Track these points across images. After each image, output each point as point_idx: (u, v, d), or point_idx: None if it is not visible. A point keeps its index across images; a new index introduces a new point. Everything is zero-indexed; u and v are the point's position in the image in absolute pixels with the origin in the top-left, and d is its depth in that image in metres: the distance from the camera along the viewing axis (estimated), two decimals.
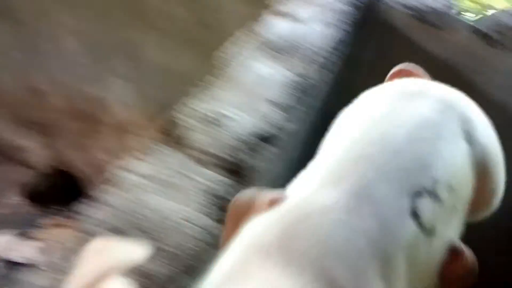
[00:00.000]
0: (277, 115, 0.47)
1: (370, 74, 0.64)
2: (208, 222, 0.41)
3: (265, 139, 0.46)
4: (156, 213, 0.41)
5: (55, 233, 1.52)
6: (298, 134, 0.58)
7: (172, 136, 0.45)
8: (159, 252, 0.39)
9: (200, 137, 0.45)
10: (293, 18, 0.58)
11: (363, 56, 0.73)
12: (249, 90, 0.48)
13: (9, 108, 1.46)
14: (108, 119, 1.16)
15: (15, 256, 1.51)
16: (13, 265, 1.51)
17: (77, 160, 1.55)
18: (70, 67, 1.07)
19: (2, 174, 1.82)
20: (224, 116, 0.46)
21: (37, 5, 0.97)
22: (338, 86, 0.72)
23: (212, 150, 0.44)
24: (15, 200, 1.74)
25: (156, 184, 0.43)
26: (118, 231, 0.44)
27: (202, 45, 0.82)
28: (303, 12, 0.59)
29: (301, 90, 0.51)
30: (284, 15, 0.59)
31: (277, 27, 0.56)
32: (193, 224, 0.41)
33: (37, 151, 1.65)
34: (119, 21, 0.90)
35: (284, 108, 0.48)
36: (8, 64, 1.22)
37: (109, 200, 0.45)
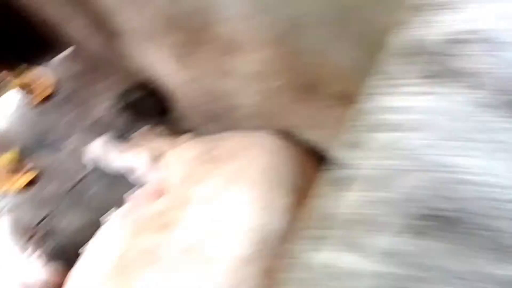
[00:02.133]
0: None
1: None
2: None
3: None
4: None
5: (144, 142, 1.58)
6: None
7: None
8: None
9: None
10: None
11: None
12: None
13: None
14: (214, 32, 1.12)
15: (109, 161, 1.58)
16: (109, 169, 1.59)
17: (171, 76, 1.53)
18: None
19: (102, 79, 1.90)
20: None
21: None
22: None
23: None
24: (111, 107, 1.82)
25: None
26: None
27: None
28: None
29: None
30: None
31: None
32: None
33: (135, 61, 1.66)
34: None
35: None
36: None
37: None
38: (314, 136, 1.18)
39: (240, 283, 0.99)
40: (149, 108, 1.73)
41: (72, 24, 1.78)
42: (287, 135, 1.27)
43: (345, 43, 0.86)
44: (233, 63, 1.17)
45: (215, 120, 1.54)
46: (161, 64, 1.53)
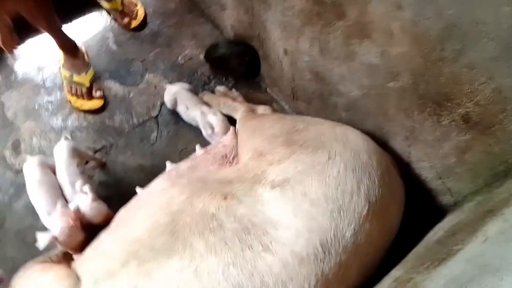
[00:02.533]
0: None
1: None
2: None
3: None
4: None
5: (225, 103, 1.50)
6: None
7: None
8: None
9: None
10: None
11: None
12: None
13: None
14: (352, 15, 0.99)
15: (181, 111, 1.52)
16: (179, 116, 1.54)
17: (272, 42, 1.43)
18: None
19: (190, 24, 1.84)
20: None
21: None
22: None
23: None
24: (193, 54, 1.76)
25: None
26: None
27: None
28: None
29: None
30: None
31: None
32: None
33: (236, 15, 1.55)
34: None
35: None
36: None
37: None
38: (418, 153, 1.03)
39: (289, 280, 0.90)
40: (235, 67, 1.63)
41: None
42: (382, 142, 1.13)
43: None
44: (358, 48, 1.03)
45: (307, 100, 1.42)
46: (267, 28, 1.41)
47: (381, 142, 1.13)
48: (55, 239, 1.12)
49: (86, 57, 1.65)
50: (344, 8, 1.00)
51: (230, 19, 1.62)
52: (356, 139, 1.08)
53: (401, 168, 1.09)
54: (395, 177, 1.05)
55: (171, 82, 1.65)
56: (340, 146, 1.05)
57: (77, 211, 1.17)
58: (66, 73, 1.57)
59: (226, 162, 1.23)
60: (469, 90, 0.81)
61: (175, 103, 1.51)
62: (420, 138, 1.01)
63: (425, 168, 1.03)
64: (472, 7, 0.73)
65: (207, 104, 1.50)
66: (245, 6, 1.45)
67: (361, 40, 1.01)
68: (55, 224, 1.15)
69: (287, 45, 1.34)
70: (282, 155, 1.06)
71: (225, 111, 1.47)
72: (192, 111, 1.46)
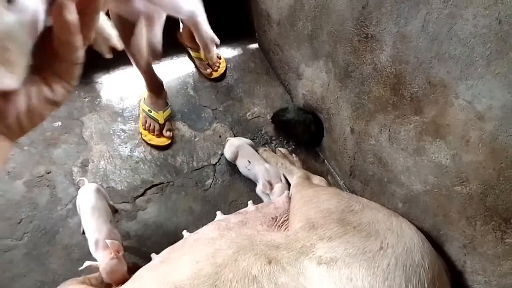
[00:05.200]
0: None
1: None
2: None
3: None
4: None
5: (283, 164, 1.56)
6: None
7: None
8: None
9: None
10: None
11: None
12: None
13: (326, 36, 1.43)
14: (429, 113, 1.02)
15: (241, 164, 1.57)
16: (235, 169, 1.62)
17: (341, 119, 1.49)
18: (444, 40, 0.98)
19: (265, 84, 1.96)
20: None
21: None
22: None
23: None
24: (262, 113, 1.85)
25: None
26: None
27: None
28: None
29: None
30: None
31: None
32: None
33: (310, 87, 1.63)
34: None
35: None
36: None
37: None
38: (474, 264, 1.00)
39: None
40: (299, 134, 1.69)
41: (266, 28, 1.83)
42: (437, 243, 1.11)
43: None
44: (429, 146, 1.04)
45: (364, 181, 1.43)
46: (338, 105, 1.47)
47: (436, 243, 1.10)
48: (99, 269, 1.16)
49: (167, 98, 1.78)
50: (422, 105, 1.03)
51: (304, 88, 1.70)
52: (411, 234, 1.07)
53: (452, 276, 1.05)
54: (446, 285, 1.02)
55: (235, 135, 1.73)
56: (394, 238, 1.04)
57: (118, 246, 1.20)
58: (145, 107, 1.70)
59: (275, 225, 1.25)
60: None
61: (235, 156, 1.57)
62: (479, 250, 0.98)
63: (479, 282, 0.99)
64: None
65: (270, 161, 1.55)
66: (322, 80, 1.52)
67: (433, 139, 1.03)
68: (100, 256, 1.20)
69: (355, 125, 1.38)
70: (334, 232, 1.06)
71: (281, 171, 1.51)
72: (254, 166, 1.51)
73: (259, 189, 1.49)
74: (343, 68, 1.36)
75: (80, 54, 0.36)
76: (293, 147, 1.74)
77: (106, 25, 0.61)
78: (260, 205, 1.35)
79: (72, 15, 0.33)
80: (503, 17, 0.77)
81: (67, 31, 0.34)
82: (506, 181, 0.85)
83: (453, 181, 1.00)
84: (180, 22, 1.87)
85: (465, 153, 0.94)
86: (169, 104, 1.76)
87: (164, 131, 1.69)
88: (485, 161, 0.89)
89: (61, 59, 0.36)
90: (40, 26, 0.34)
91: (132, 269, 1.18)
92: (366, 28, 1.17)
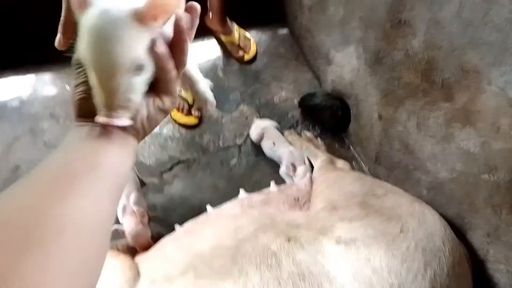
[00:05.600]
0: None
1: None
2: None
3: None
4: None
5: (307, 147, 1.57)
6: None
7: None
8: None
9: None
10: None
11: None
12: None
13: (356, 22, 1.43)
14: (460, 100, 1.02)
15: (266, 146, 1.59)
16: (260, 150, 1.63)
17: (369, 105, 1.49)
18: (479, 25, 0.95)
19: (294, 69, 1.96)
20: None
21: None
22: None
23: None
24: (289, 97, 1.86)
25: None
26: None
27: None
28: None
29: None
30: None
31: None
32: None
33: (339, 72, 1.63)
34: None
35: None
36: None
37: None
38: (497, 253, 0.98)
39: None
40: (326, 119, 1.69)
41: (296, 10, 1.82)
42: (460, 231, 1.10)
43: None
44: (458, 133, 1.03)
45: (389, 168, 1.42)
46: (367, 90, 1.46)
47: (459, 231, 1.09)
48: (125, 234, 1.22)
49: None
50: (454, 91, 1.02)
51: (333, 74, 1.69)
52: (433, 221, 1.06)
53: (474, 264, 1.04)
54: (466, 272, 1.01)
55: (262, 117, 1.75)
56: (415, 223, 1.03)
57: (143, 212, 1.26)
58: None
59: (297, 206, 1.26)
60: None
61: (260, 137, 1.59)
62: (503, 239, 0.96)
63: (501, 271, 0.98)
64: None
65: (294, 144, 1.56)
66: (351, 66, 1.51)
67: (463, 125, 1.02)
68: (126, 220, 1.25)
69: (383, 111, 1.37)
70: (355, 214, 1.07)
71: (305, 154, 1.52)
72: (279, 148, 1.53)
73: (282, 170, 1.51)
74: (374, 54, 1.35)
75: (174, 75, 0.49)
76: (319, 132, 1.74)
77: (203, 88, 0.66)
78: (282, 186, 1.37)
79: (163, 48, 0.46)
80: None
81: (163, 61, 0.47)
82: None
83: (481, 169, 0.99)
84: (208, 5, 1.89)
85: (495, 140, 0.93)
86: None
87: (192, 111, 1.72)
88: None
89: (163, 80, 0.49)
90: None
91: (157, 238, 1.23)
92: (399, 14, 1.15)
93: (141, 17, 0.41)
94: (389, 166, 1.42)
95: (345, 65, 1.57)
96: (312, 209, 1.20)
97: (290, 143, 1.58)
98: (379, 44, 1.30)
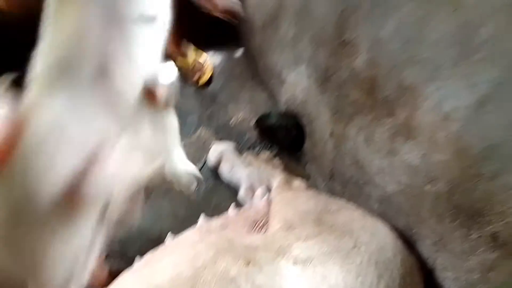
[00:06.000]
0: None
1: None
2: None
3: None
4: None
5: (265, 168, 1.60)
6: None
7: None
8: None
9: None
10: None
11: None
12: None
13: (306, 41, 1.50)
14: (401, 115, 1.08)
15: (225, 169, 1.61)
16: (218, 174, 1.65)
17: (321, 123, 1.54)
18: (415, 42, 1.00)
19: (250, 90, 2.01)
20: None
21: None
22: None
23: None
24: (245, 118, 1.90)
25: None
26: None
27: None
28: None
29: None
30: None
31: None
32: None
33: (292, 91, 1.69)
34: None
35: None
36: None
37: None
38: (444, 261, 1.03)
39: None
40: (281, 139, 1.72)
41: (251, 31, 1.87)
42: (409, 241, 1.14)
43: None
44: (402, 147, 1.08)
45: (343, 184, 1.45)
46: (318, 109, 1.51)
47: (409, 241, 1.13)
48: None
49: None
50: (394, 107, 1.07)
51: (287, 93, 1.73)
52: (385, 234, 1.10)
53: (425, 273, 1.07)
54: (418, 281, 1.04)
55: (220, 140, 1.76)
56: (367, 237, 1.07)
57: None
58: None
59: (256, 228, 1.27)
60: (501, 210, 0.83)
61: (219, 160, 1.60)
62: (448, 247, 1.01)
63: (449, 278, 1.02)
64: None
65: (250, 166, 1.57)
66: (303, 85, 1.56)
67: (405, 139, 1.06)
68: None
69: (334, 128, 1.41)
70: (310, 232, 1.09)
71: (263, 176, 1.54)
72: (237, 171, 1.54)
73: (241, 194, 1.51)
74: (323, 72, 1.40)
75: None
76: (276, 151, 1.77)
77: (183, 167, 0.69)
78: (241, 209, 1.37)
79: None
80: (466, 22, 0.81)
81: None
82: (469, 180, 0.88)
83: (423, 181, 1.03)
84: None
85: (433, 153, 0.97)
86: None
87: None
88: (451, 160, 0.92)
89: None
90: None
91: (116, 274, 1.20)
92: (344, 33, 1.20)
93: None
94: (343, 182, 1.46)
95: (297, 84, 1.62)
96: (270, 230, 1.21)
97: (248, 165, 1.59)
98: (328, 62, 1.35)
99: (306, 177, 1.66)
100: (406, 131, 1.05)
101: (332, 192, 1.55)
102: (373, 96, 1.15)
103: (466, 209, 0.91)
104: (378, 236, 1.08)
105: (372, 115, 1.18)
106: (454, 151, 0.91)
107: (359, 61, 1.17)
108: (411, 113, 1.01)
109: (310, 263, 1.00)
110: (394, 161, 1.13)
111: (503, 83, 0.77)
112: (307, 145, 1.69)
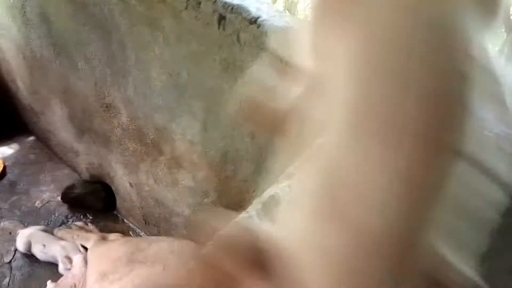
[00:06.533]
0: None
1: None
2: None
3: None
4: None
5: (79, 235, 1.62)
6: None
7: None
8: None
9: None
10: None
11: None
12: None
13: (81, 114, 1.61)
14: (167, 151, 1.29)
15: (37, 251, 1.59)
16: (33, 258, 1.60)
17: (119, 178, 1.67)
18: (151, 95, 1.22)
19: (50, 170, 2.01)
20: None
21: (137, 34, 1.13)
22: None
23: None
24: (52, 197, 1.88)
25: None
26: None
27: None
28: None
29: None
30: None
31: None
32: None
33: (88, 159, 1.79)
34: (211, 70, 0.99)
35: None
36: (96, 73, 1.38)
37: None
38: None
39: None
40: (92, 204, 1.79)
41: (44, 115, 1.92)
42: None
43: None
44: (178, 175, 1.31)
45: (156, 224, 1.62)
46: (113, 167, 1.65)
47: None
48: None
49: None
50: (161, 147, 1.30)
51: (84, 162, 1.83)
52: (189, 249, 1.29)
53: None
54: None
55: (28, 226, 1.72)
56: (175, 258, 1.24)
57: None
58: None
59: None
60: (250, 197, 1.11)
61: (29, 245, 1.58)
62: None
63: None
64: (232, 139, 1.07)
65: (61, 239, 1.60)
66: (93, 151, 1.69)
67: (178, 169, 1.30)
68: None
69: (130, 179, 1.58)
70: (123, 273, 1.21)
71: (78, 242, 1.58)
72: (50, 247, 1.54)
73: (61, 267, 1.52)
74: (102, 135, 1.56)
75: None
76: (91, 217, 1.82)
77: None
78: (59, 279, 1.40)
79: None
80: (170, 72, 1.09)
81: None
82: (224, 182, 1.16)
83: (201, 196, 1.28)
84: None
85: (197, 172, 1.23)
86: None
87: None
88: (209, 173, 1.19)
89: None
90: None
91: None
92: (103, 100, 1.40)
93: None
94: (155, 222, 1.62)
95: (88, 152, 1.74)
96: (88, 286, 1.28)
97: (61, 239, 1.61)
98: (103, 126, 1.52)
99: (127, 231, 1.76)
100: (176, 162, 1.29)
101: (153, 235, 1.70)
102: (144, 143, 1.36)
103: (232, 206, 1.18)
104: (184, 255, 1.26)
105: (151, 158, 1.39)
106: (207, 165, 1.18)
107: (123, 118, 1.38)
108: (172, 147, 1.26)
109: None
110: (179, 189, 1.36)
111: (209, 109, 1.07)
112: (118, 202, 1.81)
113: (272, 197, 0.55)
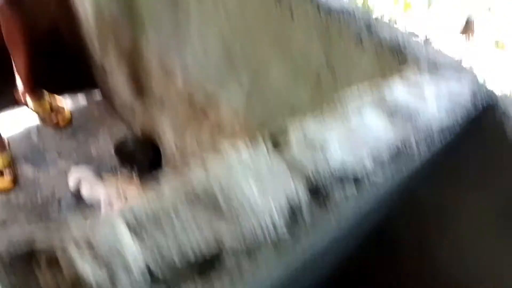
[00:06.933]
0: (369, 165, 0.48)
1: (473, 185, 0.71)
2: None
3: (353, 179, 0.47)
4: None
5: (123, 185, 1.75)
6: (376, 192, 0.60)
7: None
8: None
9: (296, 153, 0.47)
10: (417, 91, 0.60)
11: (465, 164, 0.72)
12: (353, 134, 0.51)
13: (143, 76, 1.75)
14: (213, 116, 1.37)
15: (85, 190, 1.74)
16: (81, 201, 1.77)
17: (168, 139, 1.79)
18: (206, 64, 1.30)
19: (110, 126, 2.18)
20: (323, 147, 0.48)
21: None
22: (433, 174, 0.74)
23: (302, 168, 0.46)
24: (106, 149, 2.05)
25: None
26: None
27: (322, 85, 0.91)
28: (427, 89, 0.60)
29: (398, 156, 0.52)
30: (410, 85, 0.61)
31: (398, 92, 0.59)
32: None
33: (143, 119, 1.94)
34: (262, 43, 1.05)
35: (378, 162, 0.49)
36: (161, 39, 1.51)
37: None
38: None
39: None
40: (140, 160, 1.92)
41: (108, 73, 2.10)
42: None
43: None
44: (218, 142, 1.39)
45: None
46: (163, 129, 1.78)
47: None
48: None
49: (6, 144, 1.87)
50: (207, 112, 1.39)
51: (139, 122, 1.97)
52: None
53: None
54: None
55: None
56: None
57: None
58: None
59: None
60: None
61: (78, 184, 1.74)
62: None
63: None
64: (272, 112, 1.11)
65: (104, 185, 1.74)
66: (148, 112, 1.82)
67: (219, 135, 1.38)
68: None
69: (177, 141, 1.69)
70: None
71: (120, 192, 1.71)
72: (96, 190, 1.69)
73: (101, 210, 1.67)
74: (158, 98, 1.69)
75: None
76: (138, 173, 1.95)
77: None
78: None
79: None
80: (227, 43, 1.16)
81: None
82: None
83: None
84: (16, 79, 2.00)
85: (237, 140, 1.30)
86: (7, 150, 1.86)
87: (5, 175, 1.77)
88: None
89: None
90: None
91: None
92: (164, 65, 1.51)
93: None
94: None
95: (144, 113, 1.88)
96: None
97: (107, 184, 1.76)
98: (160, 90, 1.64)
99: None
100: (218, 128, 1.37)
101: None
102: (193, 108, 1.46)
103: None
104: None
105: (196, 122, 1.49)
106: (245, 134, 1.25)
107: (179, 83, 1.48)
108: (217, 114, 1.34)
109: None
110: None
111: (256, 80, 1.13)
112: (164, 161, 1.93)
113: None
